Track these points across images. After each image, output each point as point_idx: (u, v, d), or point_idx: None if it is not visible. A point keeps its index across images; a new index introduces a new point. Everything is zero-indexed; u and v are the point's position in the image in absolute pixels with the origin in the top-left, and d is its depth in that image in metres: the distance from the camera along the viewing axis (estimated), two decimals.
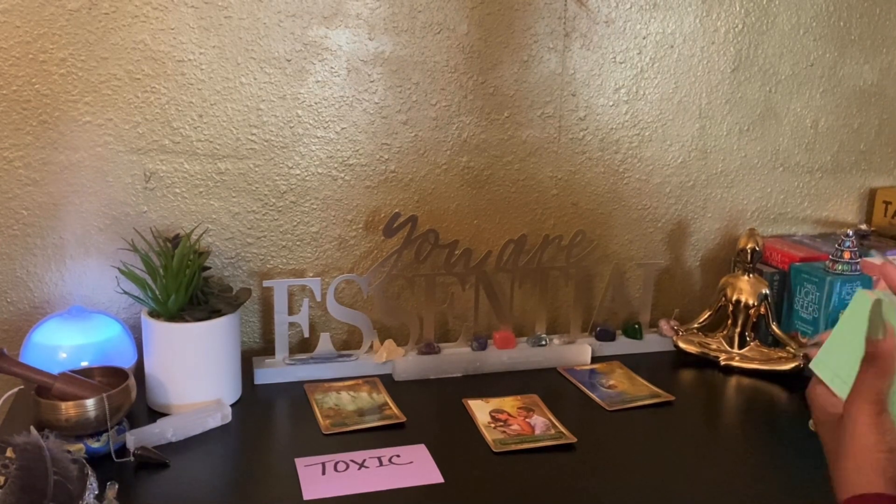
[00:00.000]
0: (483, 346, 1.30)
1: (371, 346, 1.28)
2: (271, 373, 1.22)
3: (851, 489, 0.58)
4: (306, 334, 1.26)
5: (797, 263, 1.35)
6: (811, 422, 0.68)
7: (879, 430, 0.58)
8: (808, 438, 0.68)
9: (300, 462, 0.98)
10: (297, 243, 1.29)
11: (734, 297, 1.34)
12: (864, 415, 0.59)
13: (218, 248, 1.25)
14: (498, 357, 1.29)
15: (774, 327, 1.34)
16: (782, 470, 0.99)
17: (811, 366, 0.67)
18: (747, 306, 1.33)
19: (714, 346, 1.35)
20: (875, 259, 0.69)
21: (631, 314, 1.40)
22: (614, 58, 1.36)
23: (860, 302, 0.62)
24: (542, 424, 1.09)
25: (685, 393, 1.23)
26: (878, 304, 0.60)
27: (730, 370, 1.31)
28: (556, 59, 1.33)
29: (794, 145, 1.50)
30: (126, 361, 1.13)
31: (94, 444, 0.97)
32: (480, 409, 1.14)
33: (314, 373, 1.23)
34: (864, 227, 1.51)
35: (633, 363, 1.32)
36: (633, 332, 1.39)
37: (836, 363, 0.64)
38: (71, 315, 1.13)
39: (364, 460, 0.99)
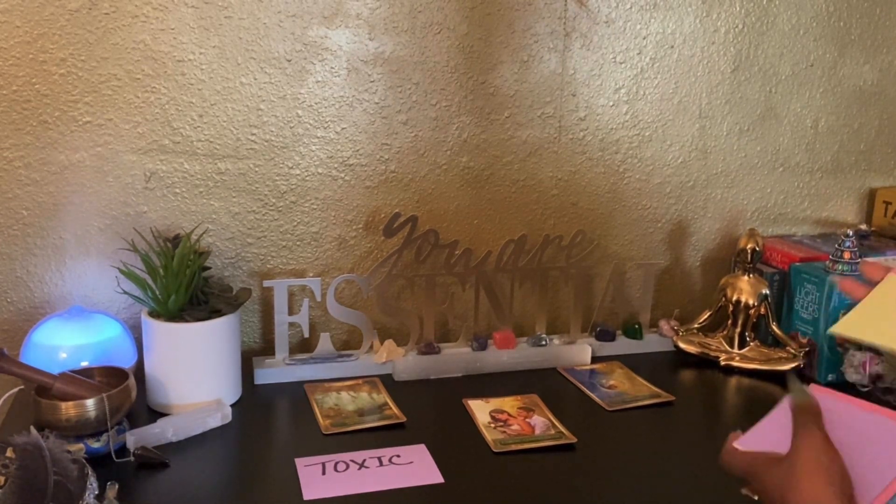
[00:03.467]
0: (483, 346, 1.30)
1: (371, 346, 1.28)
2: (271, 373, 1.22)
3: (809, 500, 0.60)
4: (306, 334, 1.26)
5: (797, 263, 1.35)
6: (743, 489, 0.71)
7: (828, 450, 0.62)
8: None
9: (300, 462, 0.98)
10: (297, 243, 1.29)
11: (734, 297, 1.34)
12: (816, 437, 0.63)
13: (218, 248, 1.25)
14: (498, 357, 1.29)
15: (774, 327, 1.34)
16: None
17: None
18: (747, 306, 1.33)
19: (714, 346, 1.35)
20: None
21: (631, 314, 1.40)
22: (614, 58, 1.36)
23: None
24: (542, 424, 1.09)
25: (685, 393, 1.23)
26: (792, 377, 0.71)
27: (730, 370, 1.31)
28: (556, 59, 1.33)
29: (794, 145, 1.50)
30: (126, 361, 1.13)
31: (94, 444, 0.97)
32: (480, 409, 1.14)
33: (314, 373, 1.23)
34: (864, 227, 1.51)
35: (633, 363, 1.32)
36: (633, 332, 1.39)
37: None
38: (71, 315, 1.13)
39: (364, 460, 0.99)
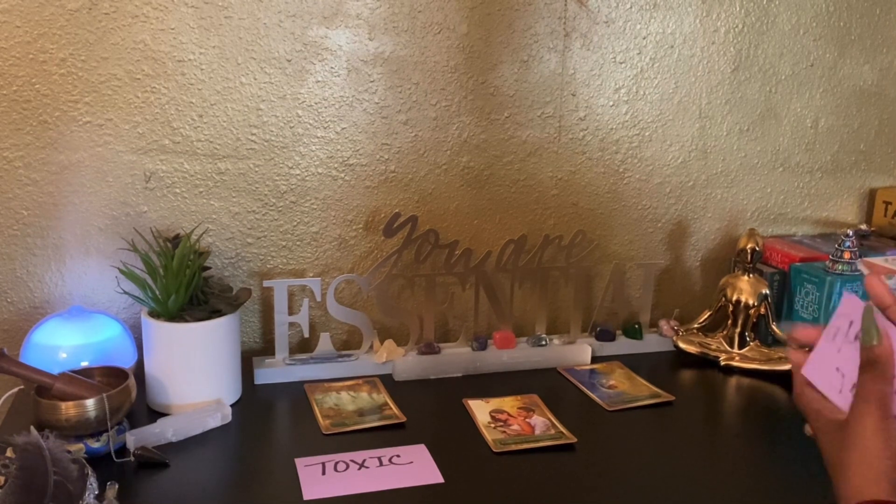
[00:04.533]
0: (483, 346, 1.30)
1: (371, 346, 1.28)
2: (271, 373, 1.22)
3: (857, 495, 0.57)
4: (306, 334, 1.26)
5: (797, 263, 1.35)
6: (806, 426, 0.67)
7: (885, 435, 0.57)
8: (808, 438, 0.68)
9: (300, 462, 0.98)
10: (297, 243, 1.29)
11: (734, 297, 1.34)
12: (870, 419, 0.58)
13: (218, 248, 1.25)
14: (498, 357, 1.29)
15: (774, 327, 1.34)
16: (782, 470, 0.99)
17: (804, 372, 0.66)
18: (747, 306, 1.33)
19: (714, 346, 1.35)
20: (862, 269, 0.68)
21: (631, 314, 1.40)
22: (614, 58, 1.36)
23: (849, 305, 0.63)
24: (542, 424, 1.09)
25: (685, 393, 1.23)
26: (869, 310, 0.60)
27: (730, 370, 1.31)
28: (556, 59, 1.33)
29: (794, 145, 1.50)
30: (126, 361, 1.13)
31: (94, 444, 0.97)
32: (480, 409, 1.14)
33: (314, 373, 1.23)
34: (864, 227, 1.51)
35: (633, 363, 1.32)
36: (633, 332, 1.39)
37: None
38: (71, 315, 1.13)
39: (364, 460, 0.99)
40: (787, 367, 1.27)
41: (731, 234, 1.50)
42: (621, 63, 1.36)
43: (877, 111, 1.54)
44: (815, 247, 1.41)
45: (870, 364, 0.59)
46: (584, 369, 1.30)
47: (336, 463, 0.98)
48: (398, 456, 1.00)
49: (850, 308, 0.63)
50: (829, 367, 0.64)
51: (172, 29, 1.15)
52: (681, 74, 1.40)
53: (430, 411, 1.15)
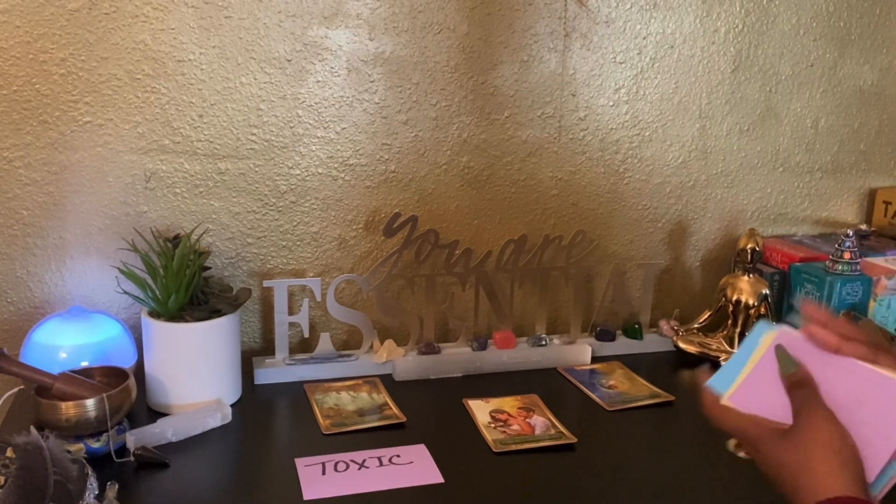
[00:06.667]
0: (483, 346, 1.30)
1: (371, 346, 1.28)
2: (271, 373, 1.22)
3: (822, 493, 0.58)
4: (306, 334, 1.26)
5: (797, 263, 1.35)
6: (731, 442, 0.70)
7: (839, 432, 0.61)
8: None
9: (300, 462, 0.98)
10: (297, 243, 1.29)
11: (734, 297, 1.34)
12: (821, 420, 0.61)
13: (218, 248, 1.25)
14: (498, 357, 1.29)
15: None
16: None
17: (710, 383, 0.72)
18: (747, 306, 1.33)
19: (714, 346, 1.35)
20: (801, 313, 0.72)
21: (631, 314, 1.40)
22: (614, 58, 1.36)
23: (758, 332, 0.69)
24: (542, 424, 1.09)
25: (685, 393, 1.23)
26: (780, 348, 0.67)
27: None
28: (556, 59, 1.33)
29: (794, 145, 1.50)
30: (126, 361, 1.13)
31: (94, 444, 0.97)
32: (480, 409, 1.14)
33: (314, 373, 1.23)
34: (864, 227, 1.51)
35: (633, 363, 1.32)
36: (633, 332, 1.39)
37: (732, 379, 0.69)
38: (71, 315, 1.13)
39: (364, 460, 0.99)
40: None
41: (731, 234, 1.50)
42: (621, 63, 1.36)
43: (877, 111, 1.54)
44: (815, 247, 1.41)
45: (797, 385, 0.64)
46: (584, 369, 1.30)
47: (336, 463, 0.98)
48: (398, 456, 1.00)
49: (758, 334, 0.69)
50: (761, 395, 0.67)
51: (172, 29, 1.15)
52: (681, 74, 1.40)
53: (430, 411, 1.15)
